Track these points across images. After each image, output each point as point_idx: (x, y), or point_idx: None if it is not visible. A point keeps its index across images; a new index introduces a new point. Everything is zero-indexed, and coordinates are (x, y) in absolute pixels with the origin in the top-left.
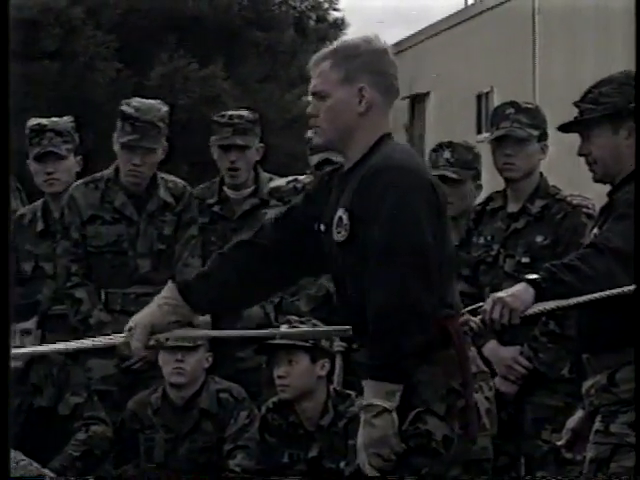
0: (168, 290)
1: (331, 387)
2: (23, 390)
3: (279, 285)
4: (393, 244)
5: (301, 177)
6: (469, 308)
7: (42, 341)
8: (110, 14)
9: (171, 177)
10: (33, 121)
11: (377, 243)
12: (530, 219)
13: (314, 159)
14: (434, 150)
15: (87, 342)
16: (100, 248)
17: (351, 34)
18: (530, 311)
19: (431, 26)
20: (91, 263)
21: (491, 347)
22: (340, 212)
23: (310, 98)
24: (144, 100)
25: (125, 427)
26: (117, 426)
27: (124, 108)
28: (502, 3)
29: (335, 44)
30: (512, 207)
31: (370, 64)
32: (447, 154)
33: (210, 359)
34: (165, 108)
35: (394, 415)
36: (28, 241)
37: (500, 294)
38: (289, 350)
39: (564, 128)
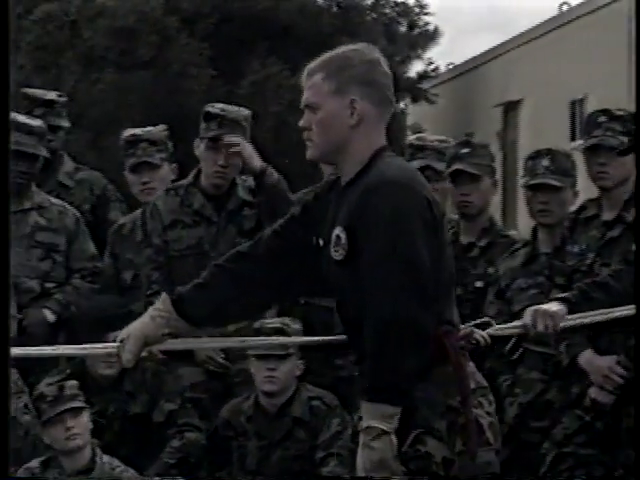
0: (162, 302)
1: None
2: (118, 397)
3: (277, 298)
4: (388, 262)
5: None
6: (474, 322)
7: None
8: (204, 23)
9: (251, 179)
10: (127, 132)
11: (372, 262)
12: (626, 227)
13: (413, 165)
14: (531, 158)
15: (81, 348)
16: (182, 251)
17: (443, 42)
18: (569, 323)
19: (524, 33)
20: (174, 267)
21: (587, 357)
22: (338, 230)
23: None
24: (227, 105)
25: (218, 434)
26: (210, 433)
27: (209, 109)
28: (596, 9)
29: (326, 55)
30: (607, 215)
31: (362, 75)
32: (546, 162)
33: (302, 367)
34: (248, 112)
35: (393, 437)
36: (128, 250)
37: (541, 306)
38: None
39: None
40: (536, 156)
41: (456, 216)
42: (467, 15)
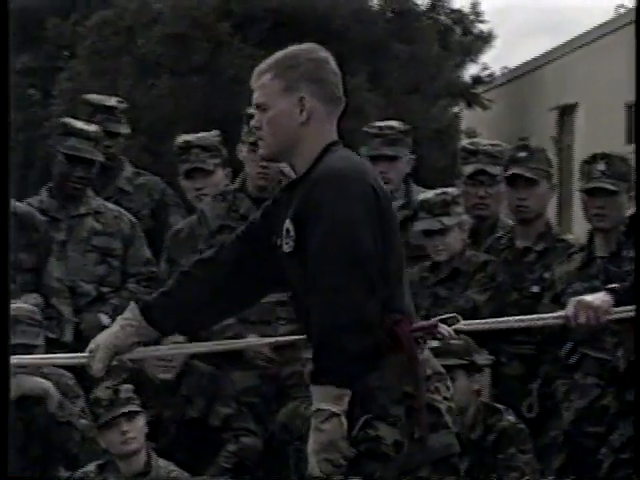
0: (130, 311)
1: (480, 401)
2: (175, 402)
3: (243, 302)
4: (330, 251)
5: (450, 189)
6: (440, 317)
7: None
8: (257, 28)
9: None
10: (180, 138)
11: (315, 249)
12: None
13: (467, 169)
14: (587, 162)
15: (52, 358)
16: None
17: (497, 45)
18: (615, 316)
19: (579, 36)
20: None
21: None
22: (287, 223)
23: (255, 111)
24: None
25: (275, 438)
26: (266, 437)
27: (250, 111)
28: None
29: (275, 55)
30: None
31: (310, 73)
32: (602, 166)
33: None
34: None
35: (342, 419)
36: (185, 255)
37: (584, 298)
38: (449, 368)
39: None
40: (592, 160)
41: (512, 221)
42: (521, 18)
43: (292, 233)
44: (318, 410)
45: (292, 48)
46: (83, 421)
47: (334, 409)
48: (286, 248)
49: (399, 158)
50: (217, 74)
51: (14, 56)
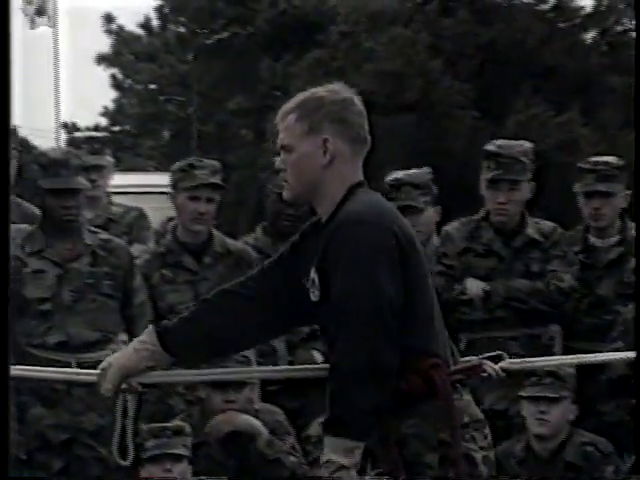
0: (147, 334)
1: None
2: None
3: (263, 336)
4: (348, 301)
5: None
6: (486, 355)
7: None
8: (468, 64)
9: (540, 220)
10: (391, 175)
11: (335, 302)
12: None
13: None
14: None
15: (62, 372)
16: None
17: None
18: None
19: None
20: None
21: None
22: (312, 273)
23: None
24: (507, 140)
25: None
26: None
27: (488, 147)
28: None
29: (300, 96)
30: None
31: (334, 114)
32: None
33: (576, 411)
34: (528, 145)
35: (352, 473)
36: None
37: None
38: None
39: None
40: None
41: None
42: None
43: (317, 283)
44: (328, 461)
45: (317, 89)
46: (292, 458)
47: (344, 461)
48: (313, 297)
49: (614, 194)
50: (428, 110)
51: (228, 97)
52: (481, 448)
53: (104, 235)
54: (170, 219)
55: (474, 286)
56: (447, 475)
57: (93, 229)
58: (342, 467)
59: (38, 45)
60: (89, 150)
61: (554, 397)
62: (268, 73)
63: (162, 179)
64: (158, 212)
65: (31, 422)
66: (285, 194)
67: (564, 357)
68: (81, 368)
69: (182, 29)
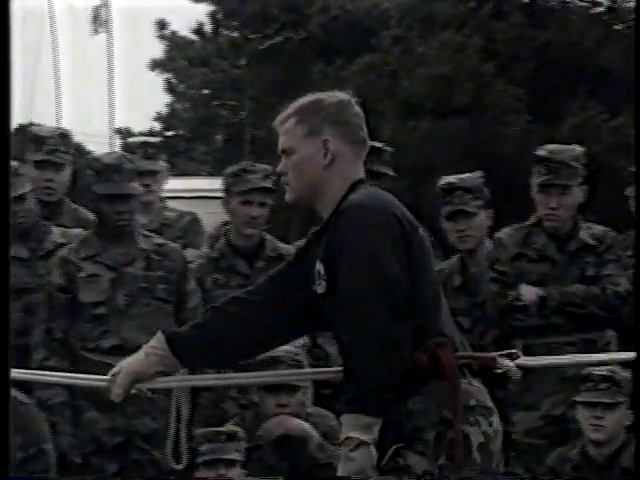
0: (156, 339)
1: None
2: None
3: (272, 342)
4: (356, 282)
5: None
6: (501, 352)
7: None
8: (521, 68)
9: (592, 224)
10: (443, 180)
11: (343, 286)
12: None
13: None
14: None
15: (72, 377)
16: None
17: None
18: None
19: None
20: None
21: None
22: (317, 265)
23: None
24: (557, 145)
25: None
26: None
27: (538, 152)
28: None
29: (299, 101)
30: None
31: (333, 116)
32: None
33: (631, 417)
34: (579, 149)
35: (372, 448)
36: (446, 296)
37: None
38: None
39: None
40: None
41: None
42: None
43: (323, 273)
44: (348, 438)
45: (314, 94)
46: None
47: (364, 437)
48: (319, 289)
49: None
50: (480, 115)
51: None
52: (483, 434)
53: (158, 239)
54: (224, 223)
55: (529, 292)
56: (440, 453)
57: (147, 233)
58: (362, 443)
59: (92, 51)
60: (143, 155)
61: (610, 403)
62: (320, 77)
63: (215, 184)
64: (211, 217)
65: (86, 426)
66: (287, 197)
67: (579, 355)
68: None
69: (235, 34)
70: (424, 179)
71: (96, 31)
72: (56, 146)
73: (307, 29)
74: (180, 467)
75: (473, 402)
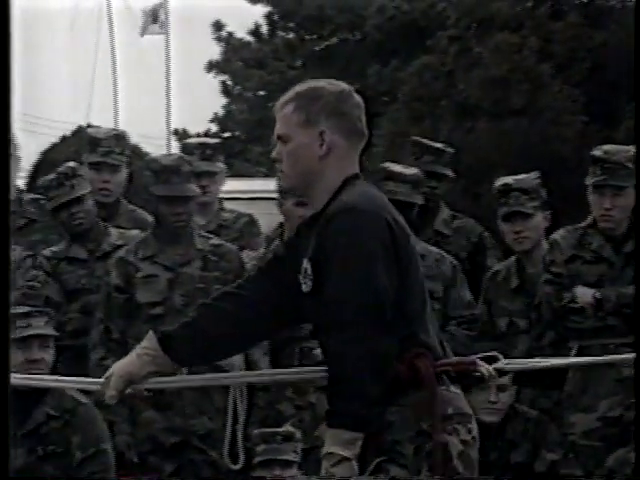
0: (148, 340)
1: None
2: (499, 445)
3: (262, 335)
4: (344, 289)
5: None
6: (480, 355)
7: None
8: (578, 68)
9: None
10: (500, 181)
11: (330, 290)
12: None
13: None
14: None
15: (70, 381)
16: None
17: None
18: None
19: None
20: None
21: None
22: (304, 263)
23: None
24: (613, 145)
25: None
26: None
27: (594, 152)
28: None
29: (298, 87)
30: None
31: (331, 106)
32: None
33: None
34: (633, 150)
35: (353, 463)
36: (503, 297)
37: None
38: None
39: None
40: None
41: None
42: None
43: (309, 273)
44: (329, 454)
45: (315, 81)
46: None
47: (345, 453)
48: (304, 288)
49: None
50: (536, 116)
51: None
52: (462, 442)
53: (215, 240)
54: (280, 225)
55: (585, 294)
56: (421, 466)
57: (204, 234)
58: (343, 459)
59: (149, 52)
60: (201, 156)
61: None
62: (376, 79)
63: (270, 185)
64: (268, 218)
65: (143, 425)
66: (280, 184)
67: (562, 359)
68: (191, 372)
69: (291, 36)
70: (480, 180)
71: (153, 33)
72: (111, 148)
73: (363, 30)
74: (237, 467)
75: (451, 410)
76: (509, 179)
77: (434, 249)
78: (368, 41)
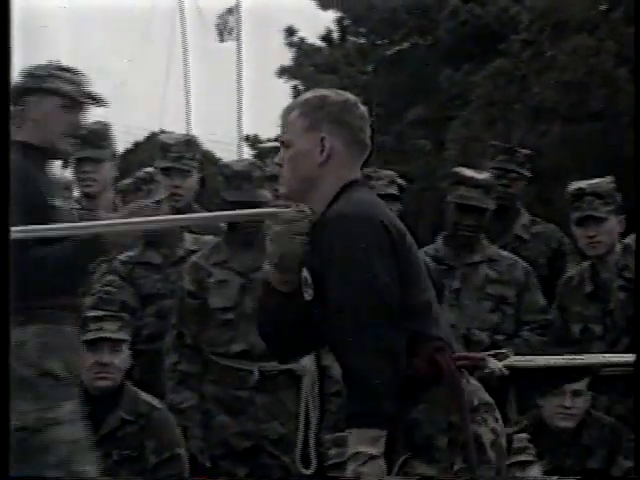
0: None
1: None
2: (574, 452)
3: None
4: (345, 295)
5: None
6: (491, 352)
7: None
8: None
9: None
10: (573, 185)
11: (332, 297)
12: None
13: None
14: None
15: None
16: None
17: None
18: None
19: None
20: None
21: None
22: (304, 272)
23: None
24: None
25: None
26: None
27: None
28: None
29: (306, 94)
30: None
31: (334, 115)
32: None
33: None
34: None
35: (381, 462)
36: (577, 303)
37: None
38: None
39: None
40: None
41: None
42: None
43: (309, 281)
44: (356, 453)
45: (322, 90)
46: None
47: (372, 451)
48: (306, 296)
49: None
50: (613, 120)
51: (407, 108)
52: (492, 431)
53: None
54: None
55: None
56: (455, 459)
57: None
58: (372, 457)
59: (221, 58)
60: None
61: None
62: (447, 83)
63: None
64: None
65: (216, 430)
66: (280, 189)
67: (566, 357)
68: (263, 377)
69: (362, 40)
70: (554, 184)
71: (224, 38)
72: (181, 153)
73: (435, 34)
74: (309, 472)
75: (476, 401)
76: (583, 183)
77: (506, 254)
78: (440, 45)
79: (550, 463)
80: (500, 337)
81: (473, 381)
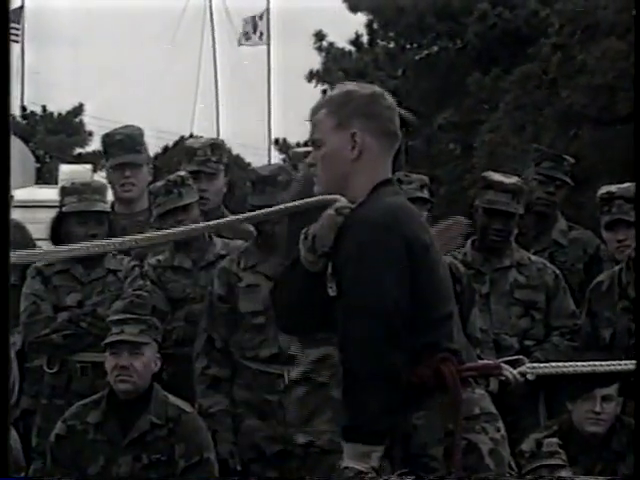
0: None
1: None
2: (606, 457)
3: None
4: (354, 303)
5: None
6: (507, 359)
7: None
8: None
9: None
10: (603, 189)
11: (342, 302)
12: None
13: None
14: None
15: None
16: None
17: None
18: None
19: None
20: None
21: None
22: (330, 268)
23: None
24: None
25: None
26: None
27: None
28: None
29: (331, 92)
30: None
31: (362, 108)
32: None
33: None
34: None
35: (370, 477)
36: (607, 308)
37: None
38: None
39: None
40: None
41: None
42: None
43: (332, 278)
44: (346, 468)
45: (347, 84)
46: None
47: (361, 467)
48: (331, 292)
49: None
50: None
51: (436, 112)
52: (492, 440)
53: None
54: None
55: None
56: (451, 467)
57: None
58: (359, 473)
59: (250, 62)
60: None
61: None
62: (476, 87)
63: None
64: None
65: (246, 434)
66: (316, 189)
67: (579, 363)
68: (293, 380)
69: (391, 45)
70: (584, 188)
71: (253, 43)
72: (207, 156)
73: (464, 38)
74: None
75: (477, 410)
76: (612, 187)
77: (536, 258)
78: (469, 49)
79: (580, 468)
80: (529, 342)
81: (479, 390)
